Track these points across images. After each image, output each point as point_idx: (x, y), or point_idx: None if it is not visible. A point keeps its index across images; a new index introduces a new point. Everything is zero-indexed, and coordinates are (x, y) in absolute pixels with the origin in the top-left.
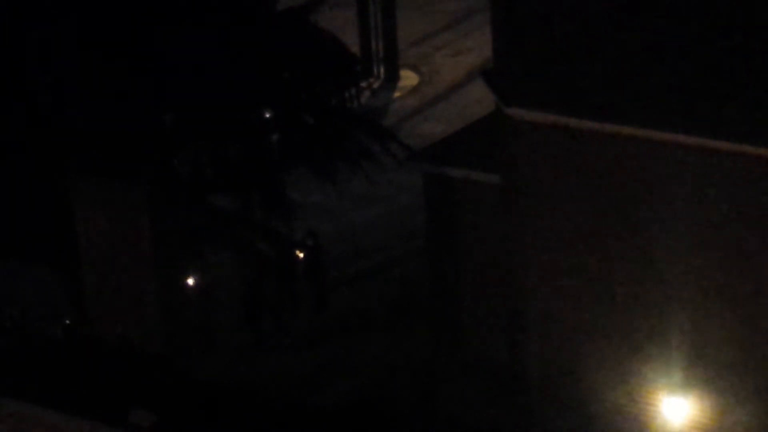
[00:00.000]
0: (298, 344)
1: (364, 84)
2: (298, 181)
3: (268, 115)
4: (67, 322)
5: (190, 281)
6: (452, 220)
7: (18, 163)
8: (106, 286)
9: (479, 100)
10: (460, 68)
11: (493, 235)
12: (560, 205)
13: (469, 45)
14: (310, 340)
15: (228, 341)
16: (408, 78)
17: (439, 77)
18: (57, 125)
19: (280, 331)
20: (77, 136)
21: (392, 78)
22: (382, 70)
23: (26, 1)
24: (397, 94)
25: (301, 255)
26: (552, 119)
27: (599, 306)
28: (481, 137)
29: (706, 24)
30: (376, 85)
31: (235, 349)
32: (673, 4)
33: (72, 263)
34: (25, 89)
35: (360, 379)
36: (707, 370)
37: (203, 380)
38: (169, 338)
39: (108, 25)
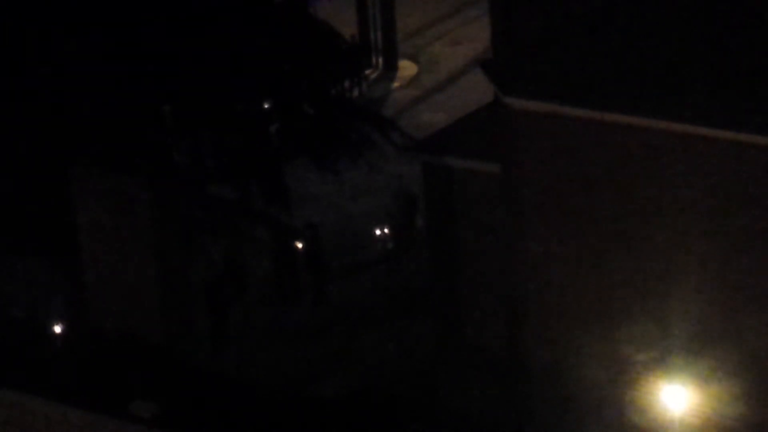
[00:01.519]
0: (298, 336)
1: (363, 74)
2: (297, 172)
3: (267, 106)
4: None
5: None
6: (452, 209)
7: (16, 155)
8: (105, 278)
9: (478, 89)
10: (458, 58)
11: (493, 225)
12: (559, 194)
13: (467, 35)
14: (309, 331)
15: (228, 332)
16: (407, 68)
17: (437, 67)
18: (56, 117)
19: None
20: (76, 128)
21: (391, 68)
22: (380, 60)
23: None
24: (395, 84)
25: (301, 246)
26: (550, 108)
27: (598, 295)
28: (479, 127)
29: (703, 12)
30: (374, 75)
31: (234, 340)
32: None
33: (71, 256)
34: (24, 80)
35: (359, 371)
36: (707, 358)
37: (204, 371)
38: (169, 329)
39: (107, 16)
